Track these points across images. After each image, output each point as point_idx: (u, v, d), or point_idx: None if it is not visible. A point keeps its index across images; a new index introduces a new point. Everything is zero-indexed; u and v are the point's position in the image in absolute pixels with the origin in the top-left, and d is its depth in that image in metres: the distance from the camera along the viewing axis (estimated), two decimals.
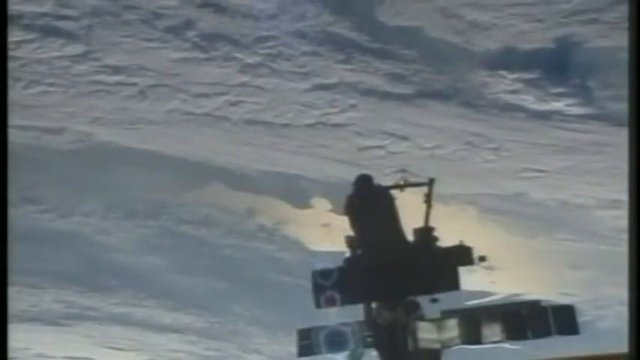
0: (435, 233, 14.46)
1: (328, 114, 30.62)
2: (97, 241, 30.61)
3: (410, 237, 14.48)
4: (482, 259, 14.35)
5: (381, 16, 31.71)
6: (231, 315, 30.08)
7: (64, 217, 30.73)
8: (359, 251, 14.35)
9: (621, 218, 28.38)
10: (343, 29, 31.53)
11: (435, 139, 30.77)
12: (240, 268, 29.99)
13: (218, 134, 31.00)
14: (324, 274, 14.24)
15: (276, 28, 31.22)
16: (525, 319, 13.95)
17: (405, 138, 30.78)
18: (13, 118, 29.98)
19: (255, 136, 30.95)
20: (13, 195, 30.03)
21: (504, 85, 30.95)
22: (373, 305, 14.47)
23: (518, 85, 30.93)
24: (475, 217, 27.50)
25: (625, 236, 27.74)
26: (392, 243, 14.14)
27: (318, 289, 14.22)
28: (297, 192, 29.14)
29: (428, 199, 14.56)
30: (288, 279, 29.17)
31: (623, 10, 30.29)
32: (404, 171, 14.41)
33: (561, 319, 13.88)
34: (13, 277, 29.07)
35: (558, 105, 30.65)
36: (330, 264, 14.21)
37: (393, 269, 14.02)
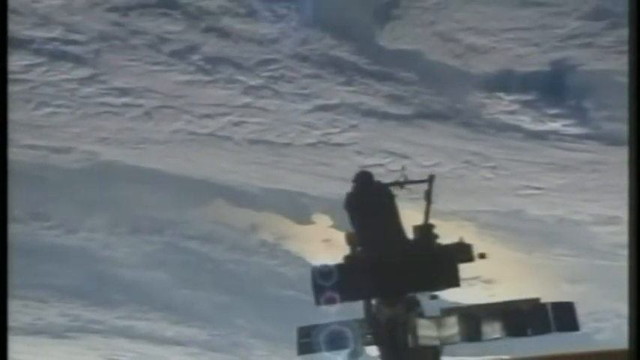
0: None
1: (329, 134, 30.54)
2: (102, 256, 30.57)
3: (410, 234, 14.09)
4: (482, 256, 13.95)
5: (381, 40, 31.88)
6: (234, 328, 29.82)
7: (70, 233, 30.70)
8: (359, 248, 13.96)
9: (617, 234, 28.38)
10: (344, 53, 31.60)
11: (435, 157, 30.62)
12: (243, 283, 29.80)
13: (221, 153, 30.97)
14: (324, 274, 13.82)
15: (278, 52, 31.16)
16: (525, 316, 13.55)
17: (404, 156, 30.61)
18: (23, 138, 30.23)
19: (257, 155, 30.94)
20: (20, 212, 30.21)
21: (502, 106, 30.95)
22: (373, 302, 14.07)
23: (515, 107, 30.94)
24: (474, 232, 27.22)
25: (621, 251, 27.61)
26: (392, 240, 13.76)
27: (318, 287, 13.81)
28: (298, 209, 28.99)
29: (428, 196, 14.18)
30: (289, 293, 28.92)
31: (617, 34, 30.53)
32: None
33: (561, 316, 13.49)
34: (19, 291, 29.05)
35: (555, 125, 30.69)
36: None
37: (393, 266, 13.63)
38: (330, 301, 13.73)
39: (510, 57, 31.35)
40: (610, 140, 30.02)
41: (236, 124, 30.98)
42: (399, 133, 30.88)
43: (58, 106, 31.08)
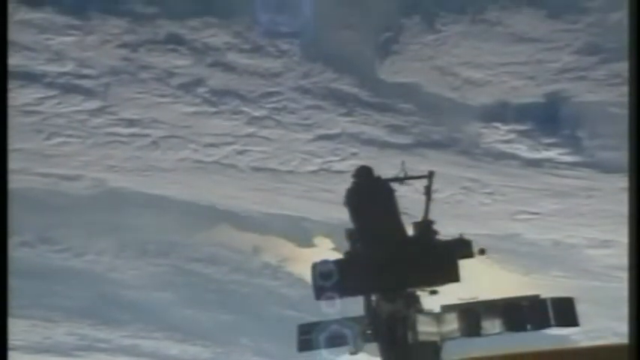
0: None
1: (331, 161, 30.38)
2: (109, 278, 30.48)
3: (410, 230, 13.66)
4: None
5: (381, 73, 31.95)
6: (237, 346, 29.39)
7: (78, 256, 30.70)
8: (358, 244, 13.51)
9: (611, 256, 28.18)
10: (345, 85, 31.58)
11: (433, 183, 30.21)
12: (246, 302, 29.41)
13: (226, 180, 30.91)
14: (324, 270, 13.37)
15: (281, 85, 31.14)
16: (525, 311, 13.03)
17: (405, 183, 30.25)
18: (34, 166, 30.30)
19: (261, 182, 30.88)
20: (31, 236, 30.04)
21: (498, 136, 30.90)
22: (373, 298, 13.59)
23: (511, 136, 30.90)
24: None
25: (616, 272, 27.17)
26: (391, 235, 13.33)
27: (318, 283, 13.34)
28: (300, 232, 28.69)
29: (428, 192, 13.77)
30: (291, 312, 28.55)
31: (609, 68, 30.62)
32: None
33: (560, 311, 12.97)
34: (27, 311, 28.71)
35: (550, 153, 30.52)
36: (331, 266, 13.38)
37: (393, 262, 13.17)
38: (330, 296, 13.30)
39: (506, 89, 31.43)
40: (603, 168, 30.07)
41: (240, 152, 30.95)
42: (398, 160, 30.56)
43: (69, 136, 31.21)
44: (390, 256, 13.20)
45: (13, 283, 27.17)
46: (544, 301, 13.05)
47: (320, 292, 13.37)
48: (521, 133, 30.84)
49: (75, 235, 30.35)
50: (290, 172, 30.75)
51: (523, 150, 30.74)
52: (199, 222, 30.36)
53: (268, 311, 28.63)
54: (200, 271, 30.04)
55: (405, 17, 32.08)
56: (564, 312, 12.98)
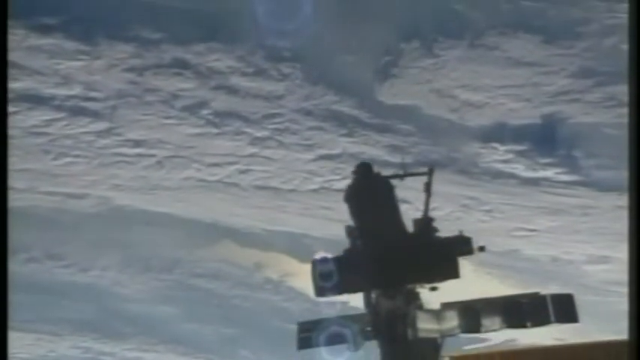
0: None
1: (331, 180, 30.20)
2: (114, 293, 30.33)
3: (410, 227, 13.33)
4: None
5: (380, 96, 31.96)
6: (239, 359, 28.93)
7: (84, 271, 30.48)
8: (358, 241, 13.19)
9: (609, 272, 27.95)
10: (346, 107, 31.61)
11: (433, 201, 30.00)
12: (248, 316, 29.17)
13: (228, 198, 30.89)
14: (324, 267, 13.04)
15: (283, 107, 31.12)
16: (524, 308, 12.68)
17: (404, 201, 30.01)
18: (42, 185, 30.35)
19: (263, 200, 30.85)
20: (38, 252, 29.89)
21: (496, 156, 30.89)
22: (372, 295, 13.24)
23: (509, 156, 30.91)
24: (471, 270, 26.48)
25: (612, 287, 26.83)
26: (391, 232, 13.01)
27: (318, 280, 13.00)
28: (302, 248, 28.31)
29: (427, 188, 13.47)
30: (293, 326, 27.98)
31: (603, 91, 30.70)
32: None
33: (560, 308, 12.62)
34: (33, 325, 28.44)
35: (547, 173, 30.39)
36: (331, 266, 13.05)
37: (393, 258, 12.84)
38: (330, 293, 12.99)
39: (504, 111, 31.51)
40: (599, 186, 29.98)
41: (243, 171, 30.95)
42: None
43: (76, 156, 31.27)
44: (390, 253, 12.91)
45: (20, 297, 27.00)
46: (544, 297, 12.74)
47: (320, 291, 13.06)
48: (519, 153, 30.84)
49: (80, 251, 30.25)
50: (292, 190, 30.67)
51: (520, 169, 30.72)
52: (202, 239, 30.19)
53: (270, 325, 28.27)
54: (203, 286, 29.81)
55: (404, 42, 32.16)
56: (564, 308, 12.66)
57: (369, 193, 13.21)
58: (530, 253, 29.44)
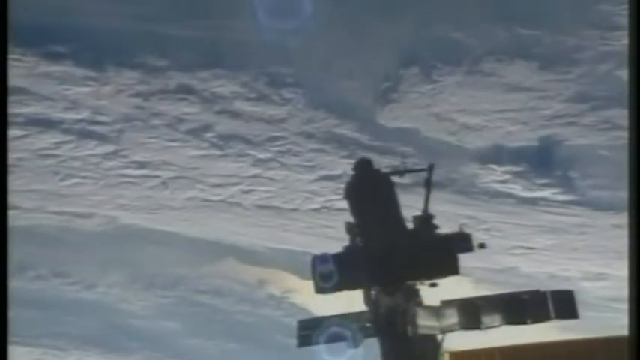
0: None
1: (332, 200, 30.06)
2: (119, 309, 30.35)
3: (410, 224, 13.09)
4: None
5: (381, 119, 31.77)
6: None
7: (90, 288, 30.55)
8: (358, 237, 12.95)
9: (605, 288, 27.72)
10: (347, 130, 31.57)
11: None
12: (251, 331, 28.88)
13: (232, 218, 30.86)
14: (324, 263, 12.82)
15: (285, 130, 31.07)
16: (524, 304, 12.40)
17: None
18: (50, 205, 30.46)
19: (265, 219, 30.79)
20: (45, 270, 29.81)
21: (494, 176, 30.79)
22: (372, 292, 12.97)
23: (507, 177, 30.78)
24: (470, 286, 26.22)
25: (609, 303, 26.49)
26: (391, 228, 12.77)
27: (318, 276, 12.78)
28: (303, 265, 27.96)
29: (427, 185, 13.25)
30: (294, 341, 27.74)
31: (598, 115, 30.66)
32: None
33: (560, 304, 12.36)
34: (40, 340, 28.27)
35: (544, 193, 30.23)
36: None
37: (393, 255, 12.60)
38: (330, 290, 12.76)
39: (501, 134, 31.47)
40: (595, 206, 29.92)
41: (246, 192, 30.92)
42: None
43: (83, 177, 31.42)
44: (390, 250, 12.67)
45: (27, 313, 26.75)
46: (544, 294, 12.51)
47: (320, 289, 12.85)
48: (516, 174, 30.77)
49: (87, 268, 30.33)
50: (293, 209, 30.58)
51: (518, 190, 30.66)
52: (206, 256, 30.10)
53: (272, 339, 28.04)
54: (206, 302, 29.71)
55: (403, 68, 32.17)
56: (564, 305, 12.42)
57: (370, 190, 12.98)
58: (527, 270, 29.24)
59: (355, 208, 13.06)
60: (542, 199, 30.24)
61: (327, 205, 30.23)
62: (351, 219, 13.25)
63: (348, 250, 13.04)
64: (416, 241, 12.87)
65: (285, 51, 31.52)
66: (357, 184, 13.03)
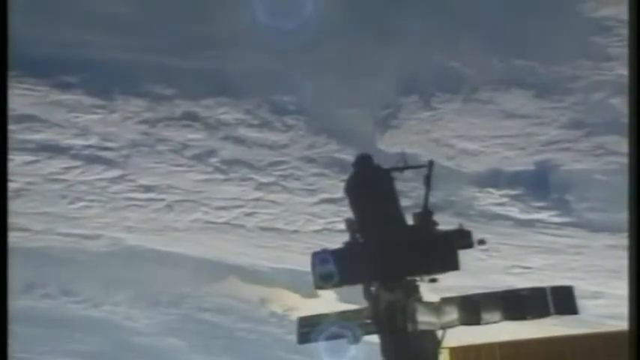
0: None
1: (334, 222, 29.98)
2: (124, 326, 30.57)
3: (410, 221, 12.95)
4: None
5: (381, 145, 31.77)
6: None
7: (96, 306, 30.62)
8: (358, 234, 12.81)
9: (601, 306, 27.48)
10: (348, 155, 31.36)
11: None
12: (253, 348, 28.75)
13: (235, 239, 30.96)
14: (324, 260, 12.70)
15: (287, 155, 31.14)
16: (524, 300, 12.24)
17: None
18: (58, 227, 30.85)
19: (268, 240, 30.75)
20: (53, 289, 29.76)
21: (492, 199, 30.68)
22: (372, 287, 12.80)
23: (504, 200, 30.68)
24: None
25: (606, 321, 26.26)
26: (391, 224, 12.62)
27: (318, 273, 12.64)
28: (305, 285, 27.89)
29: (427, 181, 13.19)
30: (296, 357, 27.70)
31: (592, 141, 30.63)
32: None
33: (560, 300, 12.20)
34: (46, 357, 28.08)
35: (540, 215, 30.12)
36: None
37: (393, 250, 12.45)
38: (330, 287, 12.64)
39: (498, 159, 31.52)
40: (591, 227, 29.98)
41: (249, 214, 30.97)
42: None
43: (91, 200, 31.61)
44: (390, 246, 12.54)
45: (35, 330, 26.58)
46: (543, 290, 12.37)
47: (320, 287, 12.74)
48: (514, 197, 30.79)
49: (93, 287, 30.44)
50: (295, 231, 30.58)
51: (515, 212, 30.68)
52: (209, 275, 30.11)
53: (274, 356, 27.93)
54: (209, 320, 29.66)
55: (403, 96, 32.30)
56: (564, 300, 12.27)
57: (370, 186, 12.83)
58: None
59: (355, 204, 12.94)
60: (539, 220, 30.22)
61: (328, 226, 30.20)
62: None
63: (347, 246, 12.92)
64: (416, 237, 12.75)
65: (288, 79, 31.65)
66: (357, 179, 12.92)
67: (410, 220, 12.91)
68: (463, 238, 12.63)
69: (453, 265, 12.42)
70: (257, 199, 30.78)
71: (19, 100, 30.47)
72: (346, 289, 12.92)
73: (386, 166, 12.49)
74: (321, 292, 27.31)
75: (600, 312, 27.06)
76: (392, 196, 12.76)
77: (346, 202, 29.97)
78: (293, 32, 29.47)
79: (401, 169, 12.94)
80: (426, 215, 12.88)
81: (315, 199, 30.69)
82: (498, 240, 29.72)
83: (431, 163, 13.09)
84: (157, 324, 29.38)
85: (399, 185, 13.03)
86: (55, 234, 30.69)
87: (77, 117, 32.06)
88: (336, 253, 12.68)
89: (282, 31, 29.68)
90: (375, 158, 31.25)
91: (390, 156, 31.00)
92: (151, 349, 28.96)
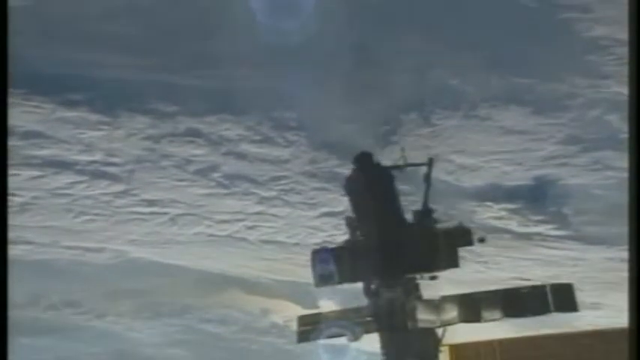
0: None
1: (335, 235, 29.77)
2: (127, 337, 30.60)
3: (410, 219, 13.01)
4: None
5: (381, 159, 31.58)
6: None
7: (100, 318, 30.69)
8: (358, 231, 12.91)
9: (600, 317, 27.47)
10: (348, 170, 31.24)
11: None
12: (254, 358, 28.50)
13: (237, 252, 30.98)
14: (324, 257, 12.77)
15: (289, 170, 31.23)
16: (524, 298, 12.33)
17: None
18: (63, 240, 30.85)
19: (269, 252, 30.81)
20: (56, 300, 29.70)
21: (491, 213, 30.76)
22: (372, 286, 12.86)
23: (503, 213, 30.75)
24: None
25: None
26: (391, 222, 12.73)
27: (318, 270, 12.71)
28: (306, 296, 27.97)
29: (427, 179, 13.30)
30: None
31: (589, 156, 30.76)
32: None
33: (560, 297, 12.28)
34: None
35: (539, 228, 30.16)
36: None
37: (393, 248, 12.54)
38: (331, 285, 12.68)
39: (497, 173, 31.56)
40: (588, 241, 29.99)
41: (250, 227, 31.00)
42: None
43: (95, 214, 31.68)
44: (390, 243, 12.61)
45: (39, 341, 26.52)
46: (543, 287, 12.42)
47: (319, 286, 12.77)
48: (512, 211, 30.87)
49: (97, 299, 30.44)
50: (296, 244, 30.61)
51: (514, 225, 30.72)
52: (212, 287, 30.07)
53: None
54: (211, 331, 29.60)
55: (402, 113, 32.40)
56: (564, 298, 12.32)
57: (370, 184, 12.92)
58: None
59: (355, 202, 13.02)
60: (538, 234, 30.30)
61: (329, 239, 30.13)
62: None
63: (348, 243, 12.96)
64: (416, 235, 12.82)
65: (289, 96, 31.84)
66: (357, 177, 13.00)
67: (410, 218, 12.95)
68: (463, 236, 12.68)
69: (453, 262, 12.46)
70: (259, 213, 30.93)
71: (25, 117, 30.71)
72: (347, 298, 12.94)
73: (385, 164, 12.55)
74: (321, 302, 27.43)
75: (598, 322, 27.07)
76: (392, 194, 12.85)
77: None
78: (294, 50, 29.71)
79: (401, 167, 13.02)
80: (426, 213, 12.94)
81: (316, 212, 30.83)
82: (497, 253, 29.81)
83: (431, 161, 13.18)
84: (160, 335, 29.46)
85: (399, 185, 13.04)
86: (60, 247, 30.83)
87: (82, 133, 32.25)
88: (336, 251, 12.72)
89: (283, 49, 29.93)
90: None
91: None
92: (153, 359, 28.97)
